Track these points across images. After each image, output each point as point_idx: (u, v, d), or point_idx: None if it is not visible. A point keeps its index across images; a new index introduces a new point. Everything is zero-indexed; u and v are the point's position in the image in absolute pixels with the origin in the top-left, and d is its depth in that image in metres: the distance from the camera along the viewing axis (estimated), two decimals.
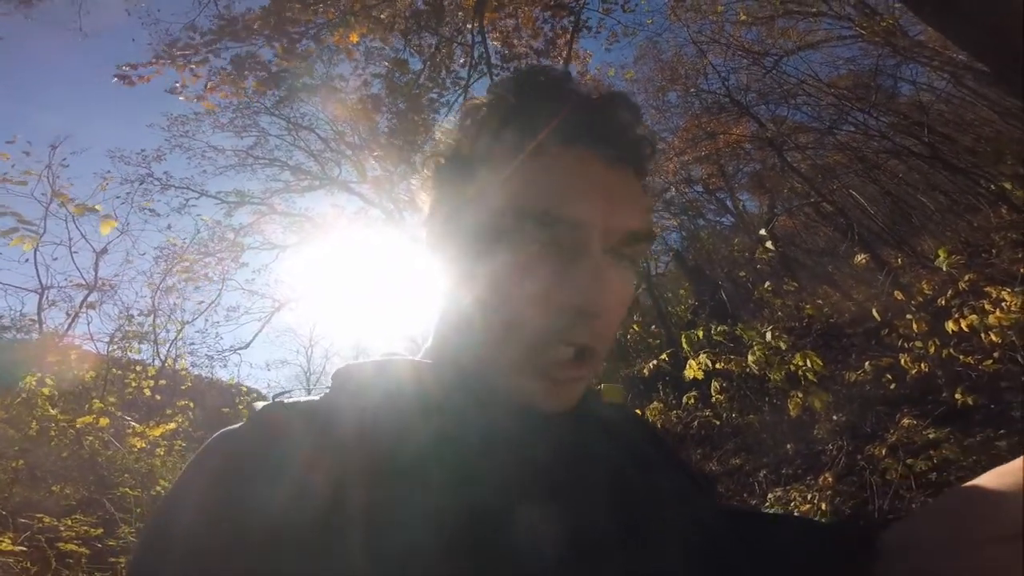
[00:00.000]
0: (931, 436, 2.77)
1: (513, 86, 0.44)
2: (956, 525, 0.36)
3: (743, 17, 8.70)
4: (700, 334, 3.78)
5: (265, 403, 0.38)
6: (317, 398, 0.39)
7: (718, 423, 4.67)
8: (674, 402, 5.35)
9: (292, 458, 0.32)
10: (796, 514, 2.92)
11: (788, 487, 3.34)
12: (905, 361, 3.36)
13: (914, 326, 3.39)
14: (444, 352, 0.45)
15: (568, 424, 0.41)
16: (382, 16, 5.62)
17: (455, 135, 0.45)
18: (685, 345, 3.62)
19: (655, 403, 4.94)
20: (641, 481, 0.41)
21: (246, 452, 0.33)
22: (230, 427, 0.36)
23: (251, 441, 0.34)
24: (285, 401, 0.38)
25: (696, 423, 5.03)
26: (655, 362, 4.16)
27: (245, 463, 0.32)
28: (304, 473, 0.32)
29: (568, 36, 6.07)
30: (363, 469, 0.32)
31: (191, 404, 5.71)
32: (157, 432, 4.30)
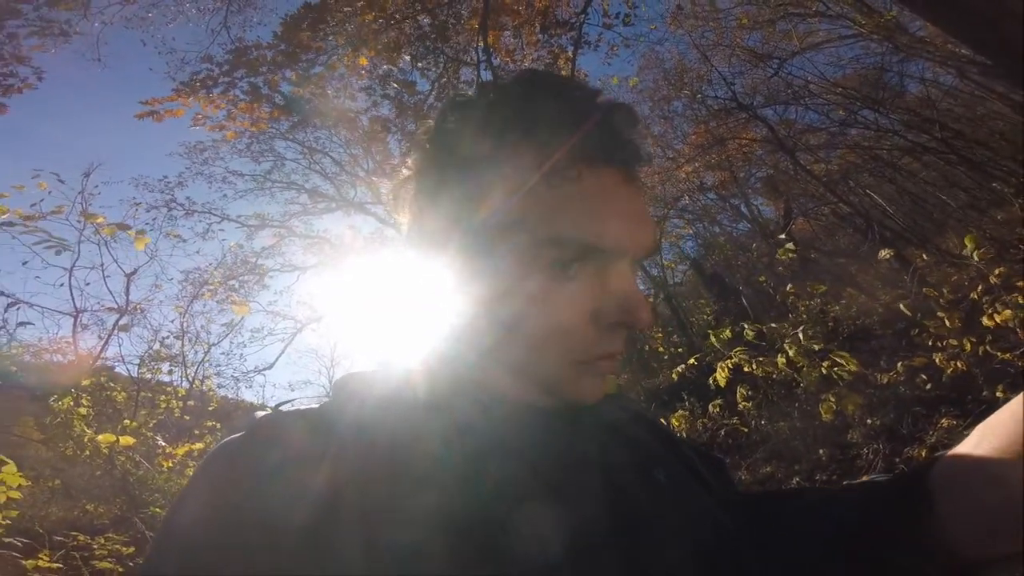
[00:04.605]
0: None
1: (524, 95, 0.42)
2: (1004, 452, 0.34)
3: (744, 21, 8.75)
4: (728, 332, 3.70)
5: (264, 412, 0.40)
6: (317, 405, 0.40)
7: (746, 431, 4.58)
8: (699, 411, 5.26)
9: (288, 461, 0.33)
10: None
11: None
12: (940, 360, 3.27)
13: (946, 323, 3.30)
14: (448, 359, 0.44)
15: (570, 426, 0.41)
16: (390, 37, 5.76)
17: (461, 142, 0.42)
18: (715, 342, 3.54)
19: (680, 412, 4.86)
20: (642, 481, 0.41)
21: (241, 457, 0.35)
22: (232, 435, 0.38)
23: (247, 446, 0.36)
24: (284, 409, 0.40)
25: (723, 432, 4.93)
26: (682, 367, 4.08)
27: (240, 467, 0.34)
28: (300, 475, 0.32)
29: (569, 55, 6.12)
30: (365, 471, 0.33)
31: (218, 425, 5.80)
32: (181, 452, 4.36)
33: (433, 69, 6.13)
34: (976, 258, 3.23)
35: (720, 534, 0.41)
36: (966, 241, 3.21)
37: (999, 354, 3.03)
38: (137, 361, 7.34)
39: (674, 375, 4.59)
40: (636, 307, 0.39)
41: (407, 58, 5.99)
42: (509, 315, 0.39)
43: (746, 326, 3.64)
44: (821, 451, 3.73)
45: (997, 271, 3.64)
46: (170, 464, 4.20)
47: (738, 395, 3.91)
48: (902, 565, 0.40)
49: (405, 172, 0.47)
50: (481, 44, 5.62)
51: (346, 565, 0.29)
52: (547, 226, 0.37)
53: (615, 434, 0.45)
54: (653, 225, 0.43)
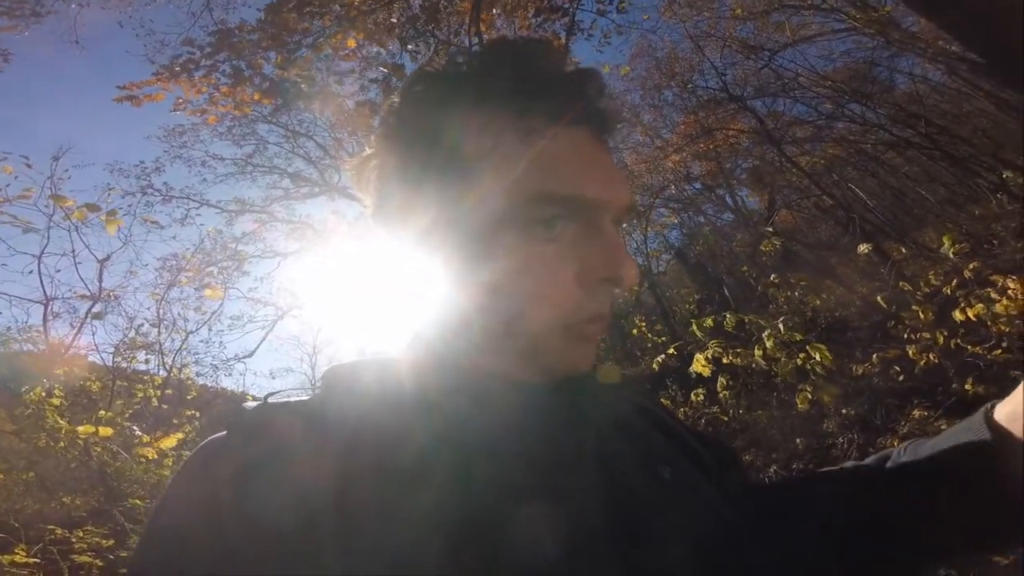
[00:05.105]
0: (943, 428, 2.76)
1: (495, 63, 0.41)
2: None
3: (738, 12, 8.71)
4: (710, 321, 3.73)
5: (252, 404, 0.38)
6: (306, 398, 0.39)
7: (726, 419, 4.66)
8: (681, 399, 5.33)
9: (275, 458, 0.32)
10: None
11: None
12: (913, 353, 3.35)
13: (921, 316, 3.38)
14: (440, 351, 0.42)
15: (569, 422, 0.40)
16: (378, 20, 5.62)
17: (444, 127, 0.40)
18: (697, 332, 3.57)
19: (662, 400, 4.91)
20: (643, 477, 0.40)
21: (226, 453, 0.34)
22: (218, 431, 0.37)
23: (232, 441, 0.35)
24: (272, 402, 0.38)
25: (703, 420, 5.02)
26: (663, 356, 4.12)
27: (224, 464, 0.33)
28: (287, 473, 0.31)
29: (562, 41, 6.04)
30: (355, 468, 0.32)
31: (197, 414, 5.71)
32: (169, 443, 4.26)
33: (423, 52, 6.00)
34: (952, 255, 3.30)
35: (722, 530, 0.41)
36: (944, 239, 3.28)
37: (970, 347, 3.11)
38: (112, 350, 7.21)
39: (655, 364, 4.64)
40: (622, 261, 0.38)
41: (396, 41, 5.85)
42: (497, 287, 0.38)
43: (727, 316, 3.68)
44: (798, 440, 3.82)
45: (971, 265, 3.73)
46: (153, 455, 4.12)
47: (718, 384, 3.98)
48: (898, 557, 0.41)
49: (369, 150, 0.45)
50: (473, 28, 5.51)
51: (332, 566, 0.28)
52: (527, 186, 0.37)
53: (615, 427, 0.44)
54: (627, 182, 0.43)
